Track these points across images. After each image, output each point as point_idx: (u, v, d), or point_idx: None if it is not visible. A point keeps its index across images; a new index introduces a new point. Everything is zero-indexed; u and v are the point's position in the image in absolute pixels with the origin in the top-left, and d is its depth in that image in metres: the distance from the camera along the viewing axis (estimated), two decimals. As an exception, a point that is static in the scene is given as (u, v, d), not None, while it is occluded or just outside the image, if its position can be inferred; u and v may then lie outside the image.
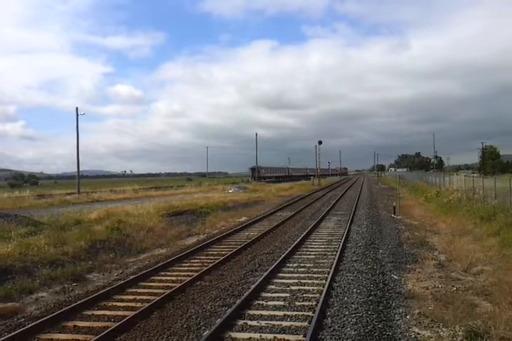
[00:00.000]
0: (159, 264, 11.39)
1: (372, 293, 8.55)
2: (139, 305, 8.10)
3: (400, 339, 6.54)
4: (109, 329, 6.71)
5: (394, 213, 21.92)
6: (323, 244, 13.98)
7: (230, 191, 45.67)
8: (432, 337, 6.58)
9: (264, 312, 7.55)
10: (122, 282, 9.69)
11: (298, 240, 14.13)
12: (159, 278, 10.27)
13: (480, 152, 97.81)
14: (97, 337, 6.38)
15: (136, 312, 7.44)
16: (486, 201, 18.95)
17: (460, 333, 6.56)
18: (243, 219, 22.28)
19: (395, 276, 10.02)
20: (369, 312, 7.39)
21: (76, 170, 45.85)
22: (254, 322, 7.07)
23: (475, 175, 50.60)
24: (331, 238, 15.12)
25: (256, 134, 79.09)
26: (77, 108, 44.44)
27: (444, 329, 6.84)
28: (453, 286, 9.12)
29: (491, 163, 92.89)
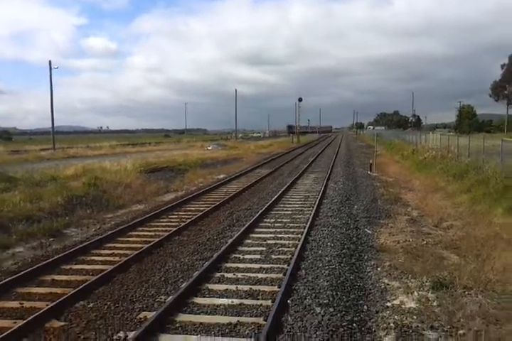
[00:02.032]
0: (137, 220, 11.44)
1: (345, 246, 8.82)
2: (117, 259, 8.20)
3: (370, 289, 6.83)
4: (88, 282, 6.80)
5: (370, 170, 22.27)
6: (300, 200, 14.21)
7: (209, 148, 45.46)
8: (400, 288, 6.89)
9: (241, 265, 7.74)
10: (100, 237, 9.73)
11: (275, 196, 14.31)
12: (137, 233, 10.35)
13: (457, 111, 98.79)
14: (75, 290, 6.47)
15: (114, 266, 7.54)
16: (459, 159, 19.36)
17: (427, 284, 6.89)
18: (221, 176, 22.34)
19: (368, 231, 10.32)
20: (342, 265, 7.65)
21: (51, 125, 44.79)
22: (230, 275, 7.26)
23: (451, 133, 51.41)
24: (307, 194, 15.35)
25: (236, 90, 78.12)
26: (50, 61, 42.83)
27: (412, 280, 7.16)
28: (423, 240, 9.46)
29: (467, 122, 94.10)
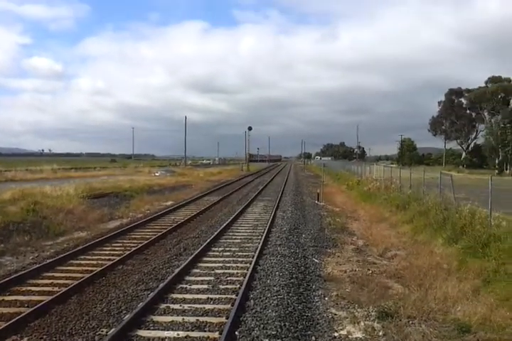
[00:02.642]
0: (79, 248, 10.97)
1: (293, 275, 8.84)
2: (55, 289, 7.77)
3: (317, 319, 6.85)
4: (22, 314, 6.38)
5: (318, 200, 22.71)
6: (249, 229, 14.20)
7: (157, 174, 44.76)
8: (347, 318, 6.95)
9: (188, 296, 7.55)
10: (38, 266, 9.22)
11: (224, 225, 14.23)
12: (78, 262, 9.90)
13: (399, 144, 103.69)
14: (7, 323, 6.04)
15: (52, 297, 7.14)
16: (402, 190, 20.18)
17: (373, 313, 7.00)
18: (169, 203, 22.01)
19: (315, 260, 10.43)
20: (290, 295, 7.64)
21: (-12, 146, 42.64)
22: (176, 306, 7.06)
23: (393, 165, 53.66)
24: (256, 223, 15.37)
25: (185, 117, 77.83)
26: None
27: (359, 310, 7.25)
28: (369, 270, 9.67)
29: (408, 154, 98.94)
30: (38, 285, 8.15)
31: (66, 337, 5.86)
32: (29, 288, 7.95)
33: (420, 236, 12.72)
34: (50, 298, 7.14)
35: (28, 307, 6.87)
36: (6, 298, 7.37)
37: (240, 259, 10.15)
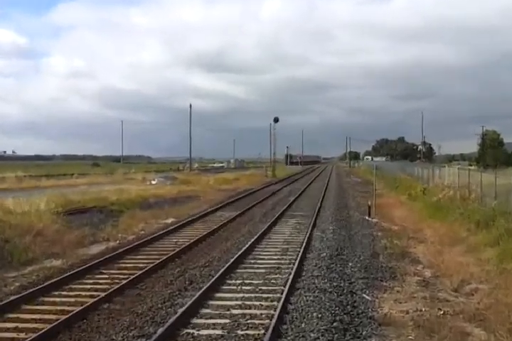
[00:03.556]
0: (52, 280, 11.16)
1: (337, 318, 8.79)
2: (21, 336, 7.92)
3: (370, 377, 6.79)
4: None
5: (369, 215, 22.57)
6: (276, 255, 14.23)
7: (154, 182, 45.28)
8: (411, 375, 6.88)
9: (195, 345, 7.60)
10: (-2, 305, 9.42)
11: (244, 249, 14.28)
12: (52, 299, 10.07)
13: (479, 139, 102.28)
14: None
15: (17, 346, 7.27)
16: (484, 201, 19.87)
17: (446, 369, 6.90)
18: (170, 220, 22.25)
19: (367, 297, 10.36)
20: (333, 344, 7.61)
21: None
22: (181, 358, 7.11)
23: (472, 167, 52.96)
24: (286, 246, 15.39)
25: (190, 106, 78.57)
26: None
27: (426, 364, 7.16)
28: (440, 310, 9.55)
29: (492, 152, 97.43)
30: (-1, 330, 8.32)
31: None
32: (-13, 334, 8.13)
33: (510, 263, 12.51)
34: (14, 347, 7.27)
35: (-14, 359, 7.02)
36: (-41, 347, 7.55)
37: (264, 295, 10.16)
